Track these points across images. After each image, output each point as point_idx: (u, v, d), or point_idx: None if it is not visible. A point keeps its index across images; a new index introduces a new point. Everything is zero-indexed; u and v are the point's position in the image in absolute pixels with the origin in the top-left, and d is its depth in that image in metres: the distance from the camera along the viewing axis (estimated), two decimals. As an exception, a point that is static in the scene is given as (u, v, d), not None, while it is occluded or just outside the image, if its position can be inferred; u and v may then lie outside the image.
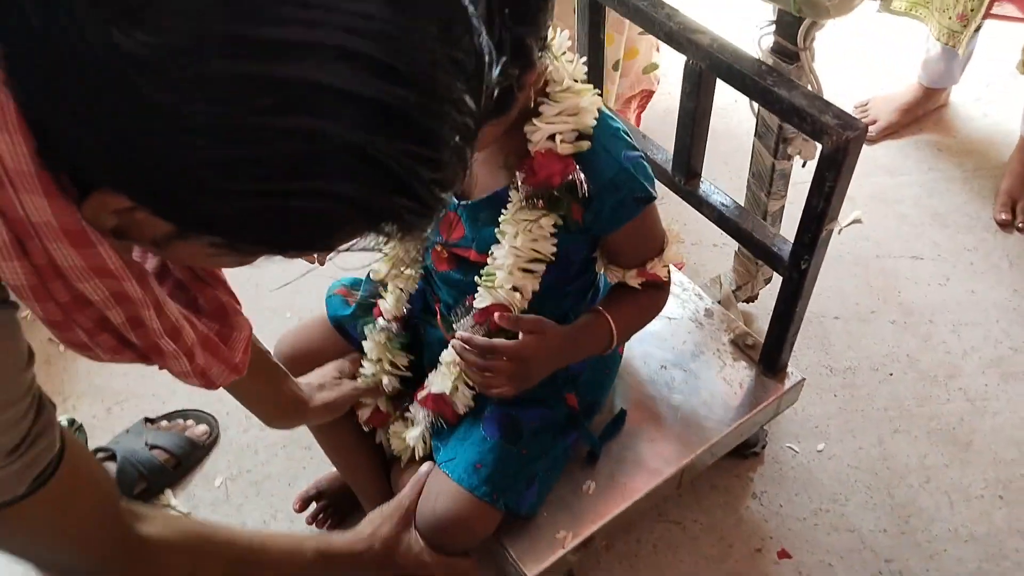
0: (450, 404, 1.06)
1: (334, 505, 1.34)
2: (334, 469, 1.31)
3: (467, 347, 0.96)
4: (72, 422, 1.32)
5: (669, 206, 1.55)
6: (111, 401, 1.54)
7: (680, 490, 1.27)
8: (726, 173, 1.79)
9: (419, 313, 1.15)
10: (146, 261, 0.67)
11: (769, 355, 1.24)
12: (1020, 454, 1.40)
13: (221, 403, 1.51)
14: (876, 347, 1.54)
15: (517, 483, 1.06)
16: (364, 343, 1.15)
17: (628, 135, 0.97)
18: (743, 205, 1.26)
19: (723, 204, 1.22)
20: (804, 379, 1.27)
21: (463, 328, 1.04)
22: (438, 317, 1.12)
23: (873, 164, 1.88)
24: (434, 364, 1.09)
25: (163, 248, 0.53)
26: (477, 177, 0.99)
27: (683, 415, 1.22)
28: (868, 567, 1.28)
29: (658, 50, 1.78)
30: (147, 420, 1.48)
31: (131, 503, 0.73)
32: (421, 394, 1.08)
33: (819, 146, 1.00)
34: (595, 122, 0.93)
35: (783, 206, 1.37)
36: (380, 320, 1.14)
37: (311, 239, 0.51)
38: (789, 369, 1.26)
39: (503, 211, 0.97)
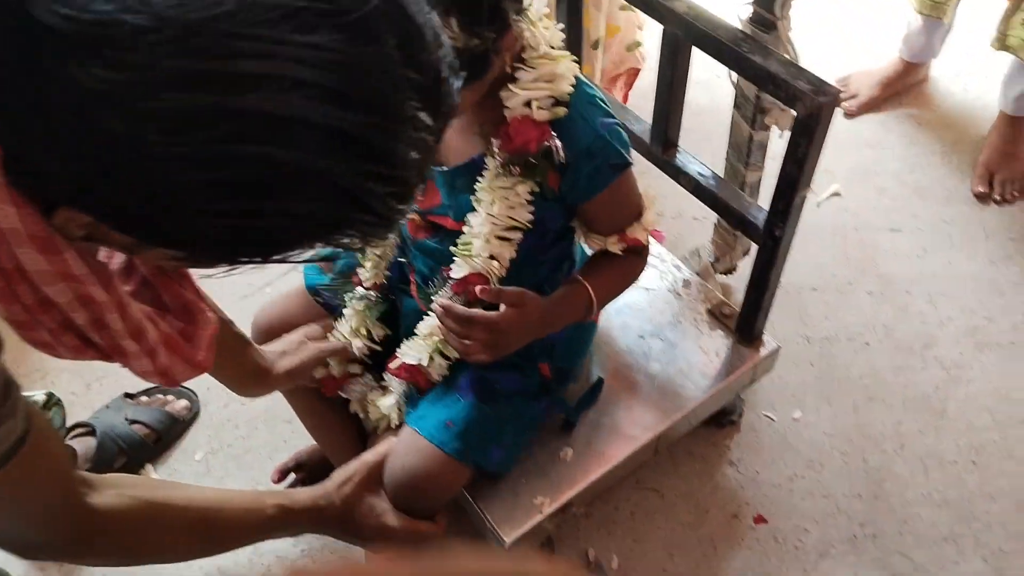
0: (424, 373, 1.07)
1: (313, 477, 1.34)
2: (314, 441, 1.32)
3: (447, 314, 0.97)
4: (50, 397, 1.31)
5: (649, 179, 1.56)
6: (91, 377, 1.54)
7: (657, 457, 1.29)
8: (708, 148, 1.77)
9: (396, 283, 1.16)
10: (112, 259, 0.67)
11: (745, 323, 1.25)
12: (993, 420, 1.42)
13: (201, 378, 1.49)
14: (853, 317, 1.56)
15: (487, 442, 1.06)
16: (344, 311, 1.15)
17: (605, 103, 0.97)
18: (723, 177, 1.27)
19: (700, 174, 1.23)
20: (779, 347, 1.28)
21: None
22: (413, 288, 1.12)
23: (854, 138, 1.89)
24: (410, 334, 1.10)
25: (131, 252, 0.55)
26: (452, 144, 0.99)
27: (660, 383, 1.24)
28: (842, 531, 1.30)
29: (641, 28, 1.77)
30: (127, 395, 1.48)
31: (84, 474, 0.73)
32: (394, 364, 1.08)
33: (795, 115, 1.01)
34: (572, 89, 0.93)
35: (760, 177, 1.37)
36: (359, 288, 1.14)
37: (269, 253, 0.52)
38: (765, 337, 1.27)
39: (479, 178, 0.97)
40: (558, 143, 0.92)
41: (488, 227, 0.97)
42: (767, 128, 1.30)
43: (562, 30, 0.94)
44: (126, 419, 1.42)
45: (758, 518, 1.31)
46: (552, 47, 0.93)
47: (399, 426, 1.11)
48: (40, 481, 0.66)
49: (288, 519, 0.91)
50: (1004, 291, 1.59)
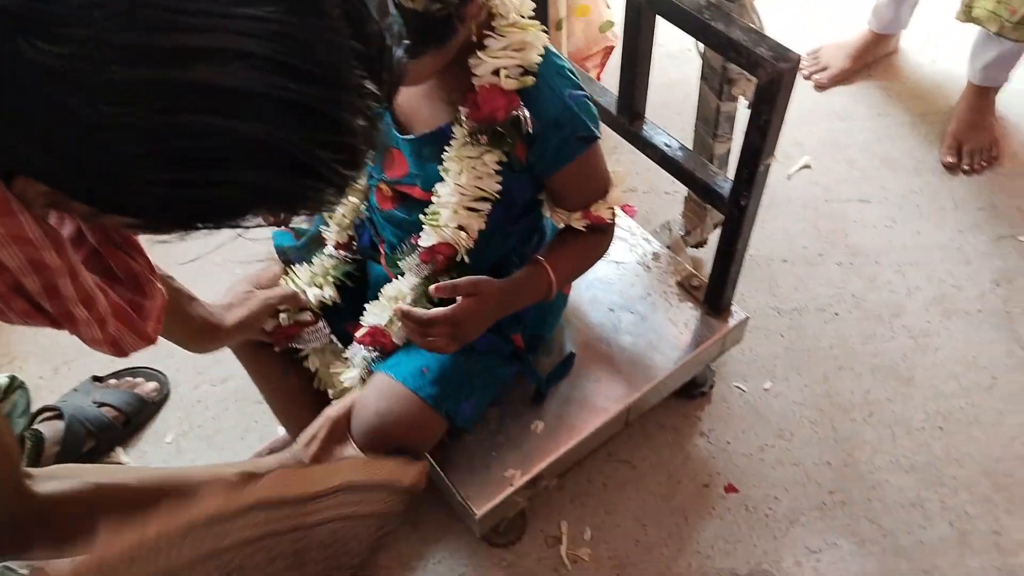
0: (388, 335, 1.06)
1: None
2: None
3: (406, 319, 0.97)
4: (12, 380, 1.30)
5: (620, 155, 1.56)
6: (58, 361, 1.53)
7: (628, 429, 1.29)
8: (679, 121, 1.78)
9: (365, 252, 1.15)
10: (63, 227, 0.67)
11: (713, 294, 1.25)
12: (959, 387, 1.43)
13: (171, 359, 1.50)
14: (823, 288, 1.57)
15: (460, 392, 1.05)
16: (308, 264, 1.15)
17: (573, 74, 0.97)
18: (689, 148, 1.27)
19: (666, 145, 1.23)
20: (748, 318, 1.28)
21: (409, 267, 1.04)
22: (382, 258, 1.12)
23: (824, 110, 1.89)
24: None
25: (89, 220, 0.55)
26: (420, 112, 0.99)
27: (630, 356, 1.24)
28: (812, 498, 1.31)
29: (608, 6, 1.77)
30: (95, 378, 1.47)
31: (27, 469, 0.71)
32: (359, 332, 1.08)
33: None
34: (540, 59, 0.93)
35: (729, 149, 1.37)
36: (329, 248, 1.15)
37: (222, 220, 0.53)
38: (734, 308, 1.28)
39: (447, 148, 0.96)
40: (526, 112, 0.92)
41: (456, 197, 0.97)
42: (734, 99, 1.30)
43: (533, -1, 0.94)
44: (94, 402, 1.40)
45: (729, 487, 1.33)
46: (522, 15, 0.92)
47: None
48: None
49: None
50: (971, 260, 1.61)
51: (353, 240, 1.15)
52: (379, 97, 0.52)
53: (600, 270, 1.32)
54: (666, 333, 1.26)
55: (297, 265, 1.16)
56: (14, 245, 0.53)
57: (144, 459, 1.40)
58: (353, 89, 0.50)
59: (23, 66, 0.43)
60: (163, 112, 0.45)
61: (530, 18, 0.93)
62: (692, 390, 1.40)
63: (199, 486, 0.83)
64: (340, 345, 1.14)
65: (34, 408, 1.39)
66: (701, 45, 1.16)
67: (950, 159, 1.77)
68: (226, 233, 0.54)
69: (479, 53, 0.91)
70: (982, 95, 1.77)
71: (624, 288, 1.32)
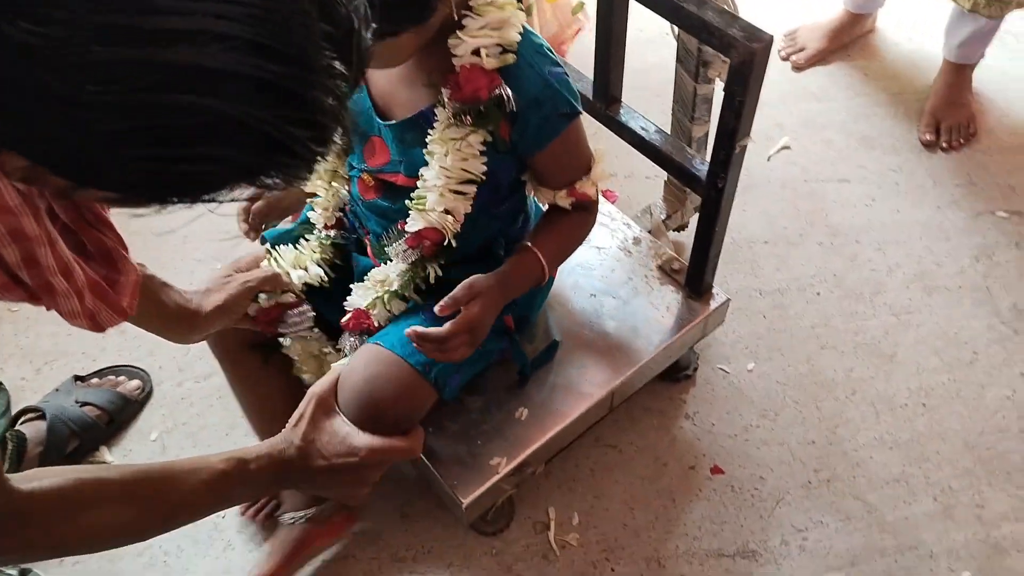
0: (371, 318, 1.06)
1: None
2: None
3: (423, 341, 0.96)
4: (-10, 382, 1.28)
5: (600, 140, 1.56)
6: (40, 362, 1.51)
7: (614, 414, 1.30)
8: (658, 105, 1.78)
9: (351, 242, 1.15)
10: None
11: (694, 277, 1.25)
12: (941, 362, 1.44)
13: (153, 357, 1.49)
14: (804, 268, 1.57)
15: (449, 363, 1.04)
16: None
17: (551, 52, 0.97)
18: (665, 131, 1.27)
19: (643, 128, 1.23)
20: (729, 299, 1.29)
21: (396, 253, 1.04)
22: (368, 249, 1.11)
23: (802, 91, 1.89)
24: None
25: (66, 195, 0.57)
26: (401, 96, 0.98)
27: (612, 340, 1.24)
28: (797, 477, 1.32)
29: None
30: (77, 378, 1.45)
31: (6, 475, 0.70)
32: (345, 318, 1.07)
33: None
34: (519, 37, 0.93)
35: (707, 132, 1.37)
36: (318, 231, 1.15)
37: (197, 195, 0.54)
38: (715, 290, 1.28)
39: (430, 131, 0.96)
40: (508, 91, 0.92)
41: (442, 180, 0.97)
42: (711, 81, 1.30)
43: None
44: (77, 401, 1.39)
45: (715, 469, 1.33)
46: None
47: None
48: None
49: (244, 471, 0.85)
50: (950, 236, 1.62)
51: (343, 220, 1.14)
52: (347, 77, 0.54)
53: (581, 256, 1.32)
54: (648, 317, 1.26)
55: (282, 247, 1.15)
56: None
57: (129, 458, 1.39)
58: (323, 70, 0.52)
59: (5, 45, 0.44)
60: (144, 91, 0.46)
61: None
62: (676, 373, 1.40)
63: (184, 475, 0.82)
64: (323, 334, 1.14)
65: (16, 409, 1.38)
66: (676, 27, 1.16)
67: (928, 137, 1.78)
68: (201, 208, 0.56)
69: (458, 33, 0.90)
70: (958, 72, 1.78)
71: (605, 273, 1.32)
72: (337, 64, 0.53)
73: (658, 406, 1.40)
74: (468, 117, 0.93)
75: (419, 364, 1.01)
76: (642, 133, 1.21)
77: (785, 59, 1.95)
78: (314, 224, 1.16)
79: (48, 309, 0.65)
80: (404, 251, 1.03)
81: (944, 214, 1.65)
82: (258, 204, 1.15)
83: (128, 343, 1.51)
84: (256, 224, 1.16)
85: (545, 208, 1.09)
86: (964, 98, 1.79)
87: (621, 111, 1.25)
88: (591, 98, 1.27)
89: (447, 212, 0.98)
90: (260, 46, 0.48)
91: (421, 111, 0.97)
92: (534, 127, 0.96)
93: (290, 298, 1.10)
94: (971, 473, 1.32)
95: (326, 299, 1.13)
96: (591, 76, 1.29)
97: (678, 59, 1.30)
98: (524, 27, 0.94)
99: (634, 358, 1.22)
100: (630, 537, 1.27)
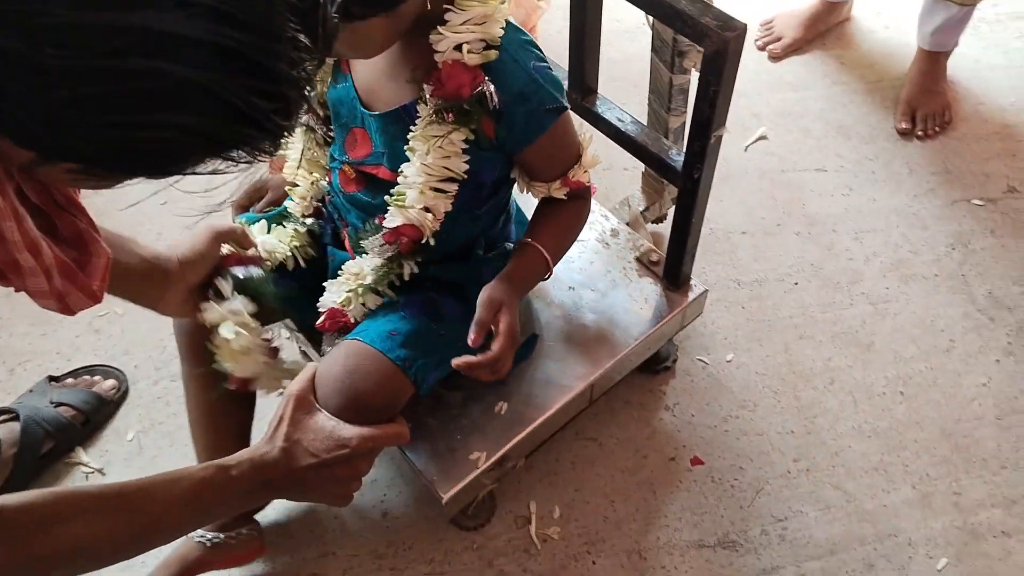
0: (346, 315, 1.05)
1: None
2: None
3: (474, 370, 0.97)
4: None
5: (579, 131, 1.55)
6: (13, 362, 1.49)
7: (594, 407, 1.29)
8: (636, 96, 1.78)
9: (328, 234, 1.14)
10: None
11: (672, 268, 1.25)
12: (919, 350, 1.45)
13: (128, 356, 1.47)
14: (781, 258, 1.58)
15: (428, 358, 1.03)
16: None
17: (536, 46, 0.96)
18: (641, 122, 1.26)
19: (619, 119, 1.22)
20: (707, 291, 1.29)
21: (372, 247, 1.02)
22: (346, 242, 1.10)
23: (778, 80, 1.90)
24: None
25: (31, 170, 0.56)
26: (384, 90, 0.98)
27: (591, 333, 1.24)
28: (776, 467, 1.32)
29: None
30: (51, 378, 1.43)
31: None
32: (319, 320, 1.06)
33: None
34: (503, 32, 0.92)
35: (684, 122, 1.37)
36: (296, 217, 1.14)
37: (163, 165, 0.54)
38: (693, 282, 1.28)
39: (412, 127, 0.95)
40: (491, 87, 0.91)
41: (423, 177, 0.96)
42: (686, 72, 1.30)
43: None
44: (51, 402, 1.37)
45: (695, 460, 1.33)
46: None
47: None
48: None
49: (226, 478, 0.83)
50: (927, 224, 1.63)
51: (321, 211, 1.13)
52: (312, 50, 0.54)
53: (559, 249, 1.31)
54: (627, 309, 1.26)
55: (255, 226, 1.12)
56: None
57: (105, 458, 1.37)
58: (287, 41, 0.52)
59: None
60: (106, 55, 0.46)
61: None
62: (656, 365, 1.40)
63: (163, 486, 0.80)
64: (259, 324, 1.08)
65: (-12, 412, 1.36)
66: (651, 17, 1.15)
67: (904, 125, 1.78)
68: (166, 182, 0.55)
69: (440, 28, 0.89)
70: (933, 60, 1.79)
71: (583, 266, 1.32)
72: (302, 37, 0.53)
73: (638, 398, 1.40)
74: (450, 114, 0.92)
75: (399, 360, 1.01)
76: (618, 124, 1.21)
77: (761, 49, 1.95)
78: (291, 213, 1.15)
79: (17, 290, 0.65)
80: (380, 246, 1.02)
81: (920, 202, 1.66)
82: (239, 196, 1.14)
83: (103, 342, 1.49)
84: (235, 214, 1.15)
85: (536, 200, 1.08)
86: (939, 86, 1.80)
87: (597, 102, 1.24)
88: (566, 89, 1.26)
89: (427, 210, 0.98)
90: (224, 13, 0.48)
91: (403, 106, 0.96)
92: (520, 123, 0.95)
93: (253, 253, 1.06)
94: (948, 461, 1.33)
95: (301, 309, 1.11)
96: (566, 67, 1.28)
97: (653, 49, 1.29)
98: (508, 20, 0.93)
99: (613, 350, 1.22)
100: (611, 529, 1.27)
